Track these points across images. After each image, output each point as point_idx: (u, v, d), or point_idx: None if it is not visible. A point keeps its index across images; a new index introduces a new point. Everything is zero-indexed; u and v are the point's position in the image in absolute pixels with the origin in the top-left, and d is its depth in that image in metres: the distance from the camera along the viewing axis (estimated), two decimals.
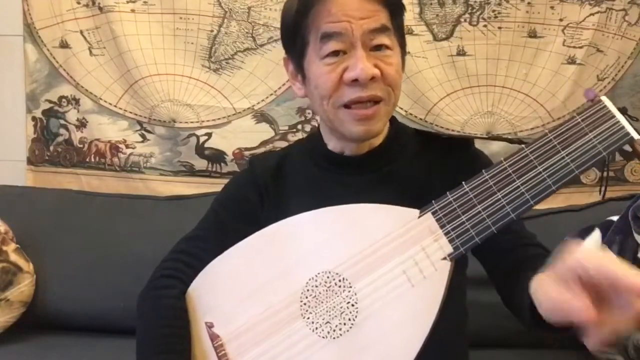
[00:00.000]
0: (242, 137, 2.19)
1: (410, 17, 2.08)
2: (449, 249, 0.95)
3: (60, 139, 2.29)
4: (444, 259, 0.95)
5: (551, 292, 0.72)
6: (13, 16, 2.24)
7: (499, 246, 1.05)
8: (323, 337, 0.97)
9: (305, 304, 1.00)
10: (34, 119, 2.29)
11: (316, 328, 0.98)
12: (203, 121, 2.20)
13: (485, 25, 2.07)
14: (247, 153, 2.19)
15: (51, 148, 2.29)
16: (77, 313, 1.94)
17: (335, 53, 1.06)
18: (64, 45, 2.22)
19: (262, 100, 2.18)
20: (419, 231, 0.97)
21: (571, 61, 2.06)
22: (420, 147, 1.19)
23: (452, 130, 2.11)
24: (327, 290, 0.99)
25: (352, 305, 0.97)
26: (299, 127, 2.18)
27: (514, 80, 2.09)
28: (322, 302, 0.99)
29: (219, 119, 2.20)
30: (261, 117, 2.19)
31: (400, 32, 1.12)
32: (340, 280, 0.99)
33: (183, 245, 1.22)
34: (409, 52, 2.06)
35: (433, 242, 0.96)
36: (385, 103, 1.08)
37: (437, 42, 2.10)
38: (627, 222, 1.67)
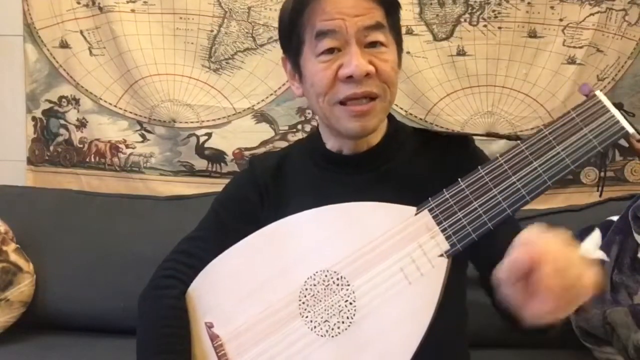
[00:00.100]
0: (242, 137, 2.19)
1: (410, 17, 2.09)
2: (445, 245, 0.95)
3: (60, 139, 2.29)
4: (441, 255, 0.95)
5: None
6: (13, 16, 2.24)
7: (492, 249, 1.05)
8: (322, 336, 0.98)
9: (303, 302, 1.00)
10: (34, 119, 2.29)
11: (315, 327, 0.98)
12: (203, 121, 2.20)
13: (485, 25, 2.07)
14: (247, 153, 2.18)
15: (51, 148, 2.29)
16: (77, 313, 1.94)
17: (330, 50, 1.07)
18: (64, 45, 2.22)
19: (262, 100, 2.18)
20: (415, 228, 0.97)
21: (571, 61, 2.06)
22: (419, 145, 1.19)
23: (453, 130, 2.11)
24: (325, 289, 0.99)
25: (350, 303, 0.97)
26: (299, 127, 2.18)
27: (514, 80, 2.09)
28: (320, 301, 0.99)
29: (219, 119, 2.20)
30: (261, 117, 2.19)
31: (396, 29, 1.13)
32: (338, 279, 0.99)
33: (184, 246, 1.22)
34: (408, 52, 2.08)
35: (430, 239, 0.96)
36: (381, 100, 1.08)
37: (437, 42, 2.10)
38: (627, 222, 1.67)
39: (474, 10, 2.07)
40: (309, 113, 2.15)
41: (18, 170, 2.30)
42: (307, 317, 0.99)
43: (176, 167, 2.23)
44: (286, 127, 2.18)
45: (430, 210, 0.97)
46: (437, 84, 2.11)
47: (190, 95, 2.19)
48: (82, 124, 2.26)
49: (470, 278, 1.17)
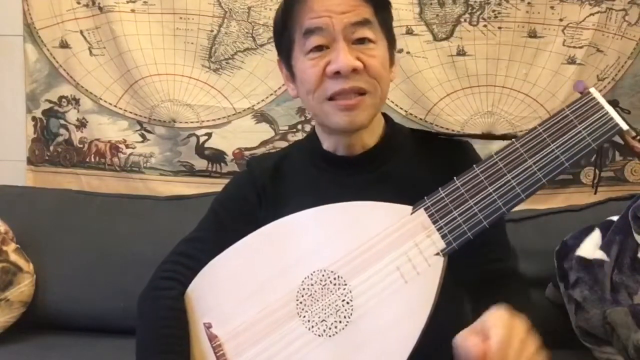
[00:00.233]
0: (242, 137, 2.19)
1: (410, 17, 2.09)
2: (441, 244, 0.96)
3: (60, 139, 2.29)
4: (437, 254, 0.96)
5: None
6: (13, 16, 2.24)
7: (470, 255, 1.06)
8: (319, 335, 0.98)
9: (301, 302, 1.00)
10: (34, 119, 2.29)
11: (312, 326, 0.98)
12: (203, 121, 2.20)
13: (485, 25, 2.07)
14: (247, 153, 2.19)
15: (51, 148, 2.29)
16: (77, 313, 1.94)
17: (319, 48, 1.08)
18: (64, 45, 2.23)
19: (262, 100, 2.18)
20: (411, 227, 0.97)
21: (571, 61, 2.06)
22: (417, 146, 1.20)
23: (452, 130, 2.11)
24: (322, 289, 0.99)
25: (347, 303, 0.97)
26: (299, 127, 2.18)
27: (514, 80, 2.08)
28: (317, 301, 0.99)
29: (219, 119, 2.20)
30: (261, 117, 2.19)
31: (386, 26, 1.14)
32: (335, 279, 0.99)
33: (182, 247, 1.22)
34: (408, 52, 2.08)
35: (426, 238, 0.96)
36: (370, 95, 1.09)
37: (437, 42, 2.10)
38: (627, 222, 1.67)
39: (474, 10, 2.07)
40: (309, 113, 2.15)
41: (18, 170, 2.30)
42: (304, 316, 0.99)
43: (176, 167, 2.23)
44: (286, 127, 2.18)
45: (426, 209, 0.98)
46: (437, 84, 2.10)
47: (190, 95, 2.19)
48: (82, 124, 2.26)
49: None
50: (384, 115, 1.24)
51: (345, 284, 0.98)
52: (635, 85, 2.06)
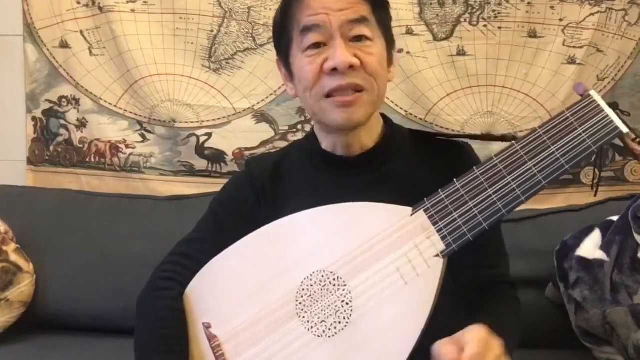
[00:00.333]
0: (242, 137, 2.19)
1: (410, 17, 2.08)
2: (441, 246, 0.96)
3: (60, 139, 2.29)
4: (437, 256, 0.96)
5: None
6: (13, 16, 2.24)
7: (466, 258, 1.07)
8: (318, 336, 0.98)
9: (300, 303, 1.00)
10: (34, 119, 2.29)
11: (311, 327, 0.98)
12: (203, 121, 2.20)
13: (485, 25, 2.07)
14: (247, 153, 2.18)
15: (51, 148, 2.29)
16: (77, 313, 1.94)
17: (316, 45, 1.09)
18: (64, 45, 2.23)
19: (262, 100, 2.18)
20: (411, 228, 0.98)
21: (571, 61, 2.06)
22: (416, 147, 1.20)
23: (452, 130, 2.11)
24: (322, 289, 0.99)
25: (347, 303, 0.97)
26: (299, 127, 2.18)
27: (514, 80, 2.08)
28: (317, 301, 0.99)
29: (219, 119, 2.20)
30: (261, 117, 2.19)
31: (384, 25, 1.14)
32: (334, 279, 0.99)
33: (181, 248, 1.22)
34: (408, 52, 2.08)
35: (426, 240, 0.96)
36: (367, 93, 1.09)
37: (437, 42, 2.10)
38: (627, 222, 1.67)
39: (474, 10, 2.07)
40: (308, 113, 2.15)
41: (18, 170, 2.30)
42: (304, 317, 0.99)
43: (176, 167, 2.23)
44: (286, 127, 2.18)
45: (425, 211, 0.98)
46: (437, 84, 2.10)
47: (190, 95, 2.19)
48: (82, 124, 2.26)
49: None
50: (383, 116, 1.24)
51: (345, 285, 0.98)
52: (635, 86, 2.06)
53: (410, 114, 2.13)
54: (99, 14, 2.18)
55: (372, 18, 1.10)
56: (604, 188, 2.03)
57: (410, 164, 1.17)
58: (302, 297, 1.00)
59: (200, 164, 2.22)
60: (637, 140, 0.96)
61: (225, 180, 1.36)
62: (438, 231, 0.96)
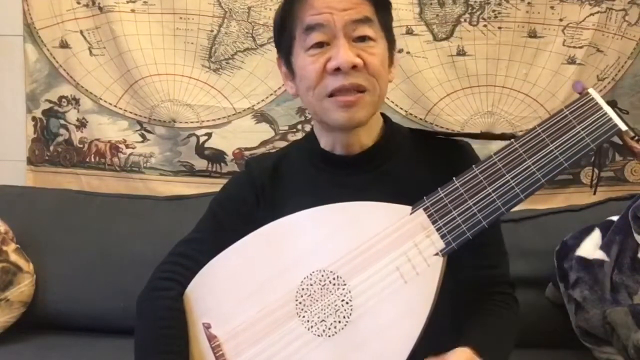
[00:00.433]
0: (242, 137, 2.19)
1: (410, 17, 2.08)
2: (440, 244, 0.96)
3: (60, 139, 2.29)
4: (436, 254, 0.96)
5: None
6: (13, 16, 2.24)
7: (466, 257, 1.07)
8: (318, 336, 0.98)
9: (300, 302, 1.00)
10: (34, 119, 2.29)
11: (311, 327, 0.98)
12: (203, 121, 2.20)
13: (485, 25, 2.07)
14: (247, 153, 2.18)
15: (51, 148, 2.29)
16: (77, 313, 1.94)
17: (320, 45, 1.09)
18: (64, 45, 2.22)
19: (262, 100, 2.18)
20: (411, 227, 0.98)
21: (571, 61, 2.05)
22: (415, 146, 1.20)
23: (452, 130, 2.11)
24: (321, 289, 0.99)
25: (347, 303, 0.97)
26: (299, 127, 2.18)
27: (514, 80, 2.08)
28: (316, 301, 0.99)
29: (219, 119, 2.20)
30: (261, 117, 2.19)
31: (386, 27, 1.14)
32: (334, 279, 0.99)
33: (181, 248, 1.22)
34: (408, 52, 2.08)
35: (425, 238, 0.96)
36: (369, 93, 1.09)
37: (437, 42, 2.10)
38: (627, 222, 1.67)
39: (474, 10, 2.07)
40: (309, 113, 2.15)
41: (18, 170, 2.30)
42: (303, 317, 0.99)
43: (176, 167, 2.23)
44: (286, 127, 2.18)
45: (425, 209, 0.98)
46: (437, 84, 2.10)
47: (190, 95, 2.19)
48: (82, 124, 2.26)
49: None
50: (383, 115, 1.24)
51: (345, 284, 0.98)
52: (635, 85, 2.06)
53: (410, 114, 2.13)
54: (99, 14, 2.18)
55: (375, 18, 1.10)
56: (604, 188, 2.03)
57: (409, 163, 1.17)
58: (301, 296, 1.00)
59: (200, 164, 2.22)
60: (636, 138, 0.96)
61: (225, 181, 1.36)
62: (437, 230, 0.96)
